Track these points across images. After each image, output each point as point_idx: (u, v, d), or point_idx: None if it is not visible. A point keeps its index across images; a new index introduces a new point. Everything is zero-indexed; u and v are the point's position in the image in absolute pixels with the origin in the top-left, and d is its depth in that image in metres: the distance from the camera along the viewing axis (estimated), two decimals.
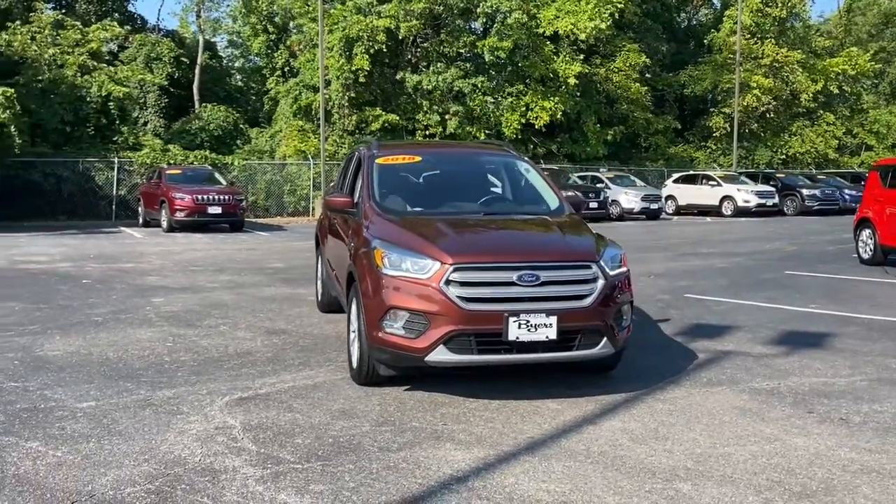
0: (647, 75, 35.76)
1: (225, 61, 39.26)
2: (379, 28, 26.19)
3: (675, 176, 30.02)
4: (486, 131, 28.93)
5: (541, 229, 5.44)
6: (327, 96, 25.79)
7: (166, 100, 29.65)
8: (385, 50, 26.52)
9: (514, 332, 4.49)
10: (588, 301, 4.67)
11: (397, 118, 27.51)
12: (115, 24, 27.75)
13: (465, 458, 3.80)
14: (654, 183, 31.10)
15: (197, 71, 30.39)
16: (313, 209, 25.33)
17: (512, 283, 4.56)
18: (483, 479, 3.56)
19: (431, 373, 5.04)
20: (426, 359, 4.55)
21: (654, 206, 25.70)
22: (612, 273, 4.85)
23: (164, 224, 18.80)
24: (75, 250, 13.92)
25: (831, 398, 4.91)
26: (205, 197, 18.48)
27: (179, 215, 18.42)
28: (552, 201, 5.97)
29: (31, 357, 5.73)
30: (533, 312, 4.52)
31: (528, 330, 4.51)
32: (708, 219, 26.21)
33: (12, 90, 19.08)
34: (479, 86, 28.08)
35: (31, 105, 23.22)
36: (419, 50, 28.51)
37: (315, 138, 26.02)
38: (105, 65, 24.99)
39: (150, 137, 25.06)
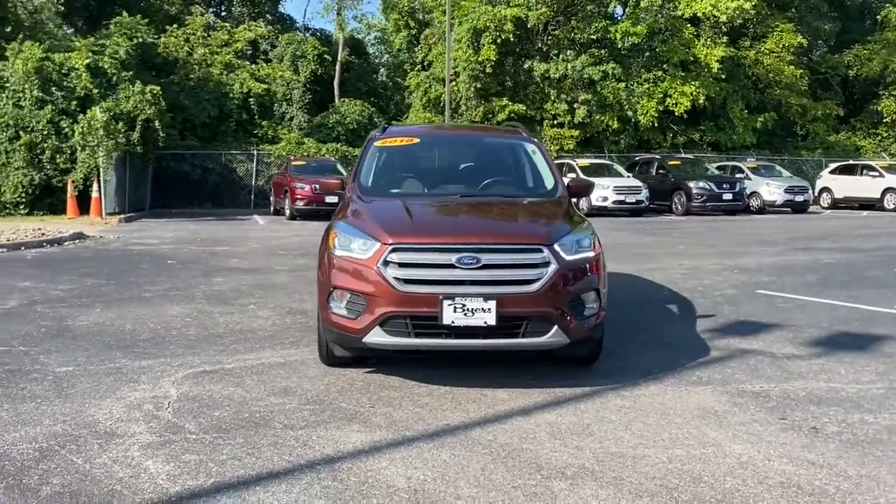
0: (807, 57, 33.01)
1: (372, 58, 40.68)
2: (507, 17, 26.02)
3: (832, 166, 27.55)
4: (619, 119, 28.00)
5: (507, 212, 5.16)
6: (455, 88, 26.01)
7: (310, 96, 31.17)
8: (513, 39, 26.31)
9: (450, 316, 4.31)
10: (534, 286, 4.39)
11: (524, 108, 27.24)
12: (261, 24, 29.49)
13: (358, 441, 3.71)
14: (810, 174, 28.76)
15: (337, 68, 31.65)
16: None
17: (451, 266, 4.38)
18: (355, 462, 3.46)
19: (388, 356, 4.97)
20: (363, 340, 4.48)
21: (800, 198, 23.74)
22: (568, 258, 4.53)
23: (287, 212, 19.83)
24: (190, 234, 14.98)
25: (825, 405, 4.33)
26: (320, 187, 19.22)
27: (299, 204, 19.37)
28: (548, 184, 5.68)
29: (59, 326, 6.23)
30: (470, 296, 4.32)
31: (465, 314, 4.31)
32: (864, 213, 23.85)
33: (158, 88, 20.80)
34: (611, 73, 27.17)
35: (184, 101, 25.35)
36: (549, 38, 28.04)
37: None
38: (248, 63, 26.62)
39: (286, 131, 26.44)
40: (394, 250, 4.41)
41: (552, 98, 27.43)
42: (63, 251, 11.80)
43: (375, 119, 30.30)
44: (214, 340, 5.81)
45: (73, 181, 18.38)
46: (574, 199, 5.88)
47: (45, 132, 18.91)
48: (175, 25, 27.39)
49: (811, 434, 3.87)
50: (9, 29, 23.54)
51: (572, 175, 21.82)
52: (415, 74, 31.68)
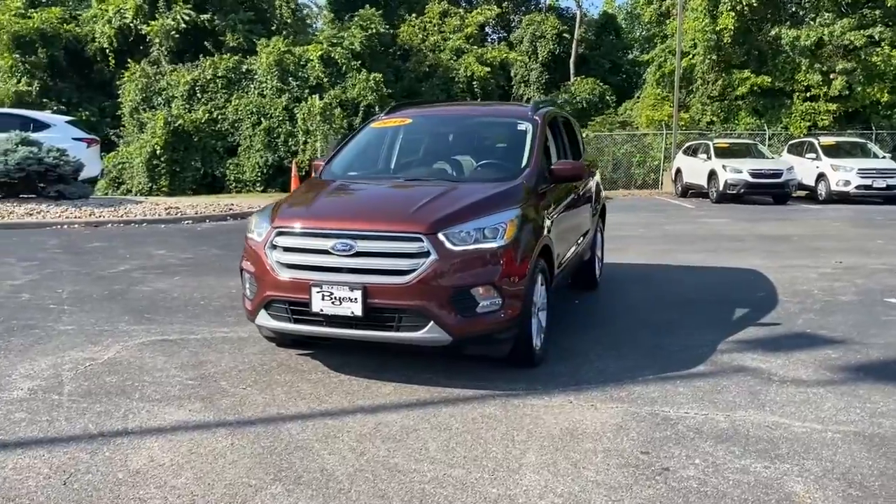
0: None
1: (624, 32, 39.24)
2: None
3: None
4: (893, 91, 23.96)
5: (416, 198, 4.74)
6: (689, 61, 24.21)
7: (547, 76, 31.08)
8: (756, 4, 23.72)
9: (319, 303, 4.18)
10: (407, 278, 4.07)
11: (769, 80, 24.47)
12: (493, 7, 29.94)
13: (170, 420, 3.78)
14: None
15: (574, 46, 31.08)
16: (661, 182, 24.24)
17: (325, 252, 4.23)
18: (133, 440, 3.54)
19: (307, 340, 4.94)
20: (255, 322, 4.52)
21: (883, 183, 18.43)
22: (456, 248, 4.12)
23: None
24: None
25: (730, 443, 3.50)
26: None
27: None
28: (518, 167, 5.17)
29: (123, 290, 7.06)
30: (337, 284, 4.14)
31: (332, 303, 4.14)
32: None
33: (380, 75, 22.22)
34: (879, 37, 23.29)
35: (418, 87, 26.82)
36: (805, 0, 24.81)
37: (672, 107, 24.74)
38: (475, 47, 27.25)
39: None
40: (279, 234, 4.37)
41: (804, 68, 24.27)
42: (234, 225, 13.21)
43: (607, 97, 29.36)
44: (196, 311, 6.17)
45: (297, 162, 20.40)
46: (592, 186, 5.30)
47: (281, 118, 21.18)
48: (413, 15, 28.90)
49: (649, 475, 3.15)
50: (273, 27, 26.63)
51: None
52: (654, 49, 30.07)
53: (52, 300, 6.54)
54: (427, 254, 4.08)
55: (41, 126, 14.49)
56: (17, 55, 22.28)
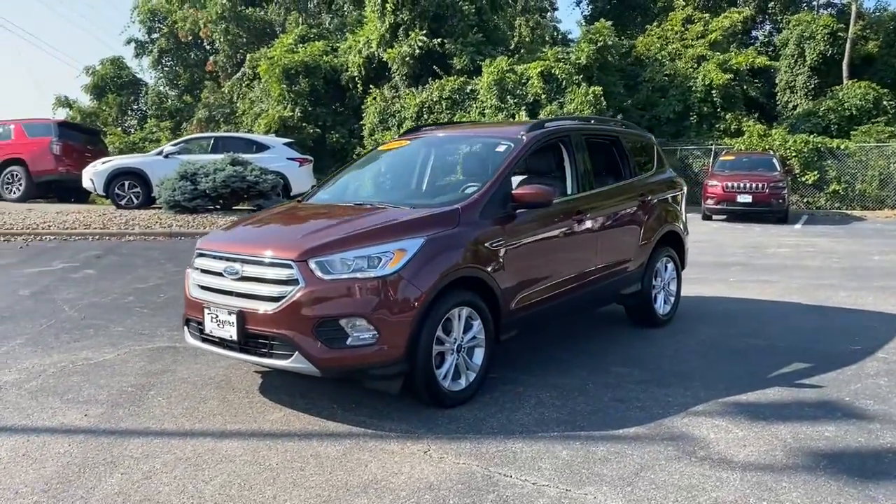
0: None
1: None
2: None
3: None
4: None
5: (324, 223, 4.65)
6: None
7: (816, 80, 27.82)
8: None
9: (208, 325, 4.39)
10: (275, 305, 4.10)
11: None
12: (744, 9, 27.51)
13: (52, 420, 4.23)
14: None
15: (847, 46, 27.38)
16: None
17: (220, 275, 4.41)
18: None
19: None
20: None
21: None
22: (327, 277, 4.06)
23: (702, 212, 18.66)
24: None
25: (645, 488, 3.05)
26: (734, 184, 17.57)
27: (709, 202, 18.12)
28: (469, 191, 4.88)
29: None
30: (220, 307, 4.31)
31: (218, 325, 4.33)
32: None
33: (599, 89, 21.70)
34: None
35: (657, 98, 25.67)
36: None
37: None
38: (717, 53, 25.26)
39: (751, 123, 24.29)
40: (198, 255, 4.65)
41: None
42: None
43: (885, 103, 25.36)
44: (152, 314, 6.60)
45: None
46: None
47: None
48: (655, 23, 27.69)
49: None
50: (511, 46, 27.29)
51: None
52: None
53: None
54: (296, 281, 4.07)
55: (262, 147, 16.51)
56: (285, 85, 25.47)
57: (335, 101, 26.38)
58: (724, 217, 18.37)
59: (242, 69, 28.82)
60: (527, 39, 28.61)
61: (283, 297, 4.08)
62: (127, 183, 15.79)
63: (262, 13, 30.89)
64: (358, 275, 4.07)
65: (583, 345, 5.94)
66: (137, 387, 4.82)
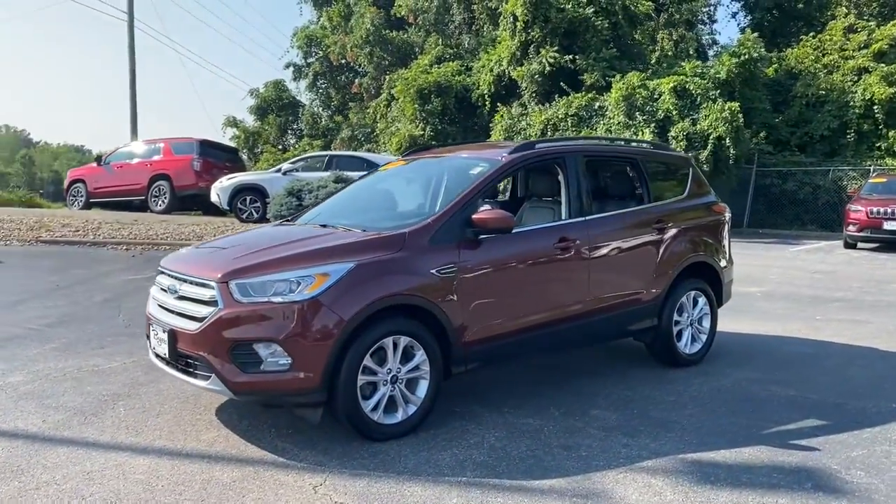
0: None
1: None
2: None
3: None
4: None
5: (265, 245, 4.61)
6: None
7: None
8: None
9: (152, 341, 4.52)
10: (197, 325, 4.16)
11: None
12: None
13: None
14: None
15: None
16: None
17: (166, 292, 4.54)
18: None
19: None
20: None
21: None
22: (245, 300, 4.06)
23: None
24: None
25: None
26: (881, 210, 15.81)
27: (850, 229, 16.44)
28: (424, 214, 4.71)
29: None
30: (159, 324, 4.43)
31: (158, 342, 4.45)
32: None
33: (736, 105, 20.32)
34: None
35: (811, 115, 23.76)
36: None
37: None
38: (883, 65, 22.85)
39: None
40: (158, 272, 4.81)
41: None
42: None
43: None
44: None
45: None
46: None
47: None
48: (811, 34, 25.60)
49: None
50: (652, 61, 26.31)
51: None
52: None
53: None
54: (215, 302, 4.10)
55: (372, 166, 16.94)
56: (418, 104, 26.08)
57: (465, 120, 26.61)
58: (875, 246, 16.55)
59: (383, 90, 29.84)
60: (669, 54, 27.42)
61: (205, 319, 4.11)
62: (248, 198, 16.77)
63: (405, 36, 31.84)
64: (275, 299, 4.03)
65: (577, 382, 5.53)
66: (113, 396, 5.05)
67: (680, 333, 5.95)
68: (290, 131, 37.56)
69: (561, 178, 5.35)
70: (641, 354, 6.16)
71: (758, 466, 3.95)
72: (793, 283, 11.06)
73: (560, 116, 22.71)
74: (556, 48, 23.33)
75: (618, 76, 22.31)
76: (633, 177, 5.89)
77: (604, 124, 22.03)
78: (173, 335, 4.25)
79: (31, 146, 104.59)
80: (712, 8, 32.78)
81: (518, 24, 23.70)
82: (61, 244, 13.24)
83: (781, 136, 23.91)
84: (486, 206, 4.82)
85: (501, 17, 25.16)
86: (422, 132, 25.62)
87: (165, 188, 19.30)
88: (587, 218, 5.29)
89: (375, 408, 4.25)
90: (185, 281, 4.36)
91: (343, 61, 33.50)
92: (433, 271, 4.43)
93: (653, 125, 20.89)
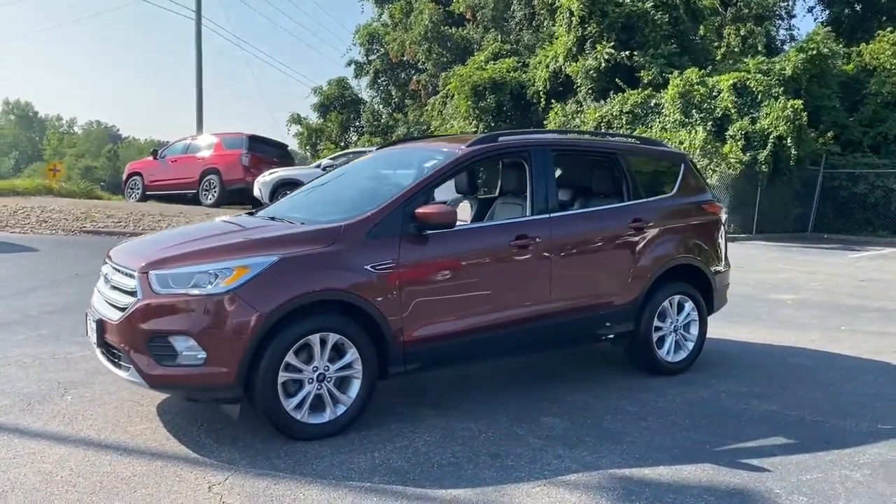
0: None
1: None
2: None
3: None
4: None
5: (203, 236, 4.53)
6: None
7: None
8: None
9: (88, 330, 4.51)
10: (119, 316, 4.11)
11: None
12: None
13: None
14: None
15: None
16: None
17: (104, 281, 4.52)
18: None
19: None
20: None
21: None
22: (163, 291, 3.99)
23: None
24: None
25: None
26: None
27: None
28: (367, 208, 4.53)
29: None
30: (91, 314, 4.41)
31: (91, 331, 4.43)
32: None
33: (799, 102, 19.36)
34: None
35: (886, 113, 22.48)
36: None
37: None
38: None
39: None
40: (104, 262, 4.80)
41: None
42: None
43: None
44: None
45: None
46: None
47: None
48: (889, 28, 24.15)
49: None
50: (718, 57, 25.39)
51: None
52: None
53: None
54: (135, 293, 4.05)
55: None
56: (471, 101, 25.89)
57: (520, 117, 26.26)
58: None
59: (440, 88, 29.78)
60: (735, 50, 26.40)
61: (126, 309, 4.06)
62: (289, 192, 16.91)
63: (464, 32, 31.67)
64: (193, 291, 3.94)
65: (542, 386, 5.27)
66: (67, 385, 5.08)
67: (662, 340, 5.60)
68: (351, 128, 37.92)
69: (527, 172, 5.10)
70: (625, 360, 5.84)
71: (691, 486, 3.64)
72: (834, 290, 10.39)
73: (614, 114, 22.13)
74: (612, 44, 22.74)
75: (675, 72, 21.57)
76: (611, 173, 5.57)
77: (659, 122, 21.35)
78: (101, 325, 4.22)
79: (118, 141, 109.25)
80: (790, 2, 31.40)
81: (574, 18, 23.21)
82: (102, 234, 13.67)
83: (853, 137, 22.63)
84: (438, 201, 4.64)
85: (558, 13, 24.69)
86: (475, 129, 25.39)
87: (215, 182, 19.70)
88: (552, 215, 5.02)
89: (300, 406, 4.11)
90: (117, 270, 4.33)
91: (402, 58, 33.58)
92: (368, 267, 4.26)
93: (709, 123, 20.10)
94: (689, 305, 5.71)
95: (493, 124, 25.62)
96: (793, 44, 29.46)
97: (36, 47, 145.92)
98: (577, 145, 5.64)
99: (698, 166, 18.30)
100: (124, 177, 22.02)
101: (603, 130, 21.95)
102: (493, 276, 4.75)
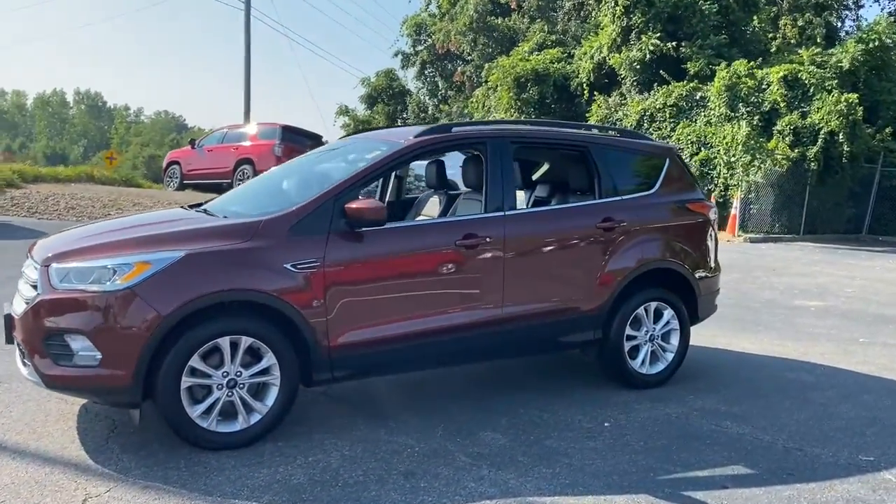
0: None
1: None
2: None
3: None
4: None
5: (126, 228, 4.29)
6: None
7: None
8: None
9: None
10: (22, 311, 3.91)
11: None
12: None
13: None
14: None
15: None
16: None
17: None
18: None
19: None
20: None
21: None
22: (61, 286, 3.76)
23: None
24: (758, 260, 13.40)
25: None
26: None
27: None
28: (292, 203, 4.23)
29: None
30: (5, 307, 4.22)
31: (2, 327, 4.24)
32: None
33: (854, 97, 18.29)
34: None
35: None
36: None
37: None
38: None
39: None
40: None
41: None
42: None
43: None
44: None
45: (714, 195, 18.36)
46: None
47: (720, 148, 19.27)
48: None
49: None
50: (772, 49, 24.30)
51: None
52: None
53: None
54: (35, 287, 3.84)
55: None
56: (513, 93, 25.39)
57: (564, 110, 25.62)
58: None
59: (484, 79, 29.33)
60: (792, 42, 25.18)
61: (28, 304, 3.85)
62: None
63: (510, 22, 31.10)
64: (91, 287, 3.70)
65: (498, 397, 4.90)
66: (1, 378, 4.93)
67: (636, 350, 5.16)
68: (398, 120, 37.78)
69: (483, 166, 4.71)
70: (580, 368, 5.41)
71: None
72: (867, 298, 9.65)
73: (658, 106, 21.37)
74: (658, 34, 21.93)
75: (723, 64, 20.64)
76: (581, 168, 5.14)
77: (704, 116, 20.49)
78: (9, 319, 4.02)
79: (183, 131, 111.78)
80: None
81: (618, 8, 22.47)
82: None
83: None
84: (365, 197, 4.30)
85: (603, 2, 23.96)
86: None
87: (249, 172, 19.70)
88: (506, 213, 4.63)
89: (207, 413, 3.84)
90: (31, 263, 4.13)
91: (448, 49, 33.21)
92: (288, 265, 3.96)
93: (756, 118, 19.16)
94: (668, 313, 5.23)
95: (534, 117, 25.06)
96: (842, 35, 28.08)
97: (106, 38, 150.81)
98: (542, 137, 5.20)
99: (740, 163, 17.61)
100: (164, 165, 22.31)
101: (625, 125, 21.20)
102: (436, 277, 4.39)
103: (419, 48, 36.16)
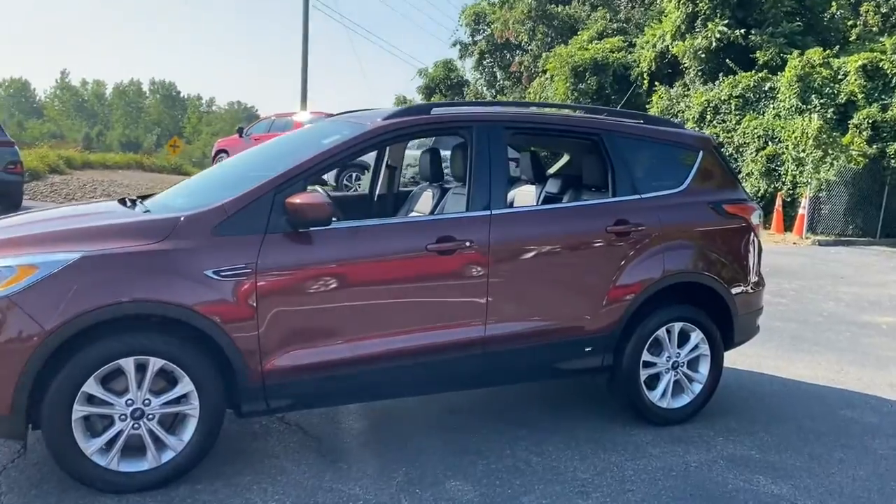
0: None
1: None
2: None
3: None
4: None
5: (50, 220, 3.71)
6: None
7: None
8: None
9: None
10: None
11: None
12: None
13: None
14: None
15: None
16: None
17: None
18: None
19: None
20: None
21: None
22: None
23: None
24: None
25: None
26: None
27: None
28: (227, 195, 3.52)
29: None
30: None
31: None
32: None
33: None
34: None
35: None
36: None
37: None
38: None
39: None
40: None
41: None
42: None
43: None
44: None
45: (781, 194, 17.00)
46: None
47: (790, 142, 17.86)
48: None
49: None
50: (852, 37, 22.60)
51: None
52: None
53: None
54: None
55: None
56: (570, 83, 24.34)
57: (622, 100, 24.42)
58: None
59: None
60: (874, 29, 23.34)
61: None
62: (354, 174, 16.30)
63: (570, 10, 29.92)
64: None
65: (475, 431, 4.10)
66: None
67: (655, 379, 4.29)
68: None
69: (469, 156, 3.92)
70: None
71: None
72: None
73: (723, 98, 20.02)
74: (726, 21, 20.55)
75: (795, 53, 19.17)
76: (593, 160, 4.29)
77: (773, 108, 19.06)
78: None
79: (253, 120, 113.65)
80: None
81: None
82: None
83: None
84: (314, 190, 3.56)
85: None
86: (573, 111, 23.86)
87: None
88: (494, 212, 3.83)
89: (107, 449, 3.18)
90: None
91: (507, 38, 32.25)
92: (209, 272, 3.26)
93: (830, 111, 17.67)
94: (696, 335, 4.34)
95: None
96: None
97: (181, 29, 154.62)
98: (543, 122, 4.36)
99: (811, 159, 16.22)
100: (212, 153, 22.18)
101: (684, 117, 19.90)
102: (401, 288, 3.63)
103: (478, 38, 35.29)
